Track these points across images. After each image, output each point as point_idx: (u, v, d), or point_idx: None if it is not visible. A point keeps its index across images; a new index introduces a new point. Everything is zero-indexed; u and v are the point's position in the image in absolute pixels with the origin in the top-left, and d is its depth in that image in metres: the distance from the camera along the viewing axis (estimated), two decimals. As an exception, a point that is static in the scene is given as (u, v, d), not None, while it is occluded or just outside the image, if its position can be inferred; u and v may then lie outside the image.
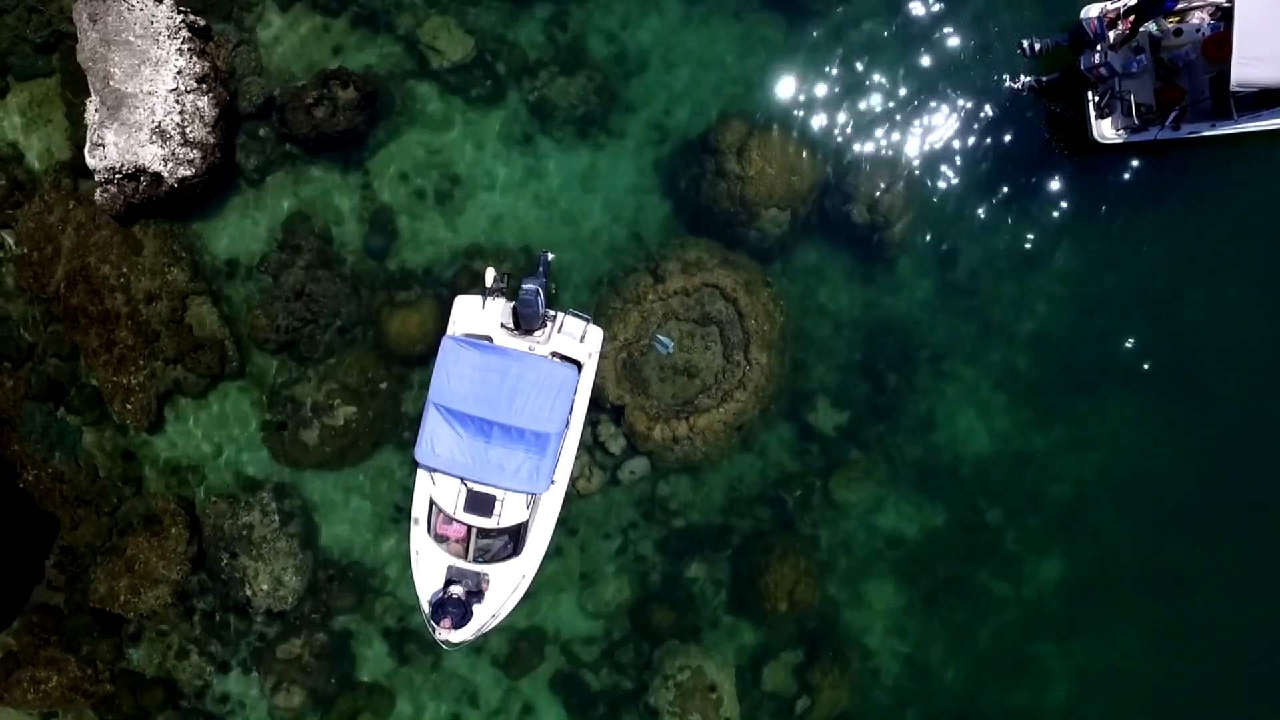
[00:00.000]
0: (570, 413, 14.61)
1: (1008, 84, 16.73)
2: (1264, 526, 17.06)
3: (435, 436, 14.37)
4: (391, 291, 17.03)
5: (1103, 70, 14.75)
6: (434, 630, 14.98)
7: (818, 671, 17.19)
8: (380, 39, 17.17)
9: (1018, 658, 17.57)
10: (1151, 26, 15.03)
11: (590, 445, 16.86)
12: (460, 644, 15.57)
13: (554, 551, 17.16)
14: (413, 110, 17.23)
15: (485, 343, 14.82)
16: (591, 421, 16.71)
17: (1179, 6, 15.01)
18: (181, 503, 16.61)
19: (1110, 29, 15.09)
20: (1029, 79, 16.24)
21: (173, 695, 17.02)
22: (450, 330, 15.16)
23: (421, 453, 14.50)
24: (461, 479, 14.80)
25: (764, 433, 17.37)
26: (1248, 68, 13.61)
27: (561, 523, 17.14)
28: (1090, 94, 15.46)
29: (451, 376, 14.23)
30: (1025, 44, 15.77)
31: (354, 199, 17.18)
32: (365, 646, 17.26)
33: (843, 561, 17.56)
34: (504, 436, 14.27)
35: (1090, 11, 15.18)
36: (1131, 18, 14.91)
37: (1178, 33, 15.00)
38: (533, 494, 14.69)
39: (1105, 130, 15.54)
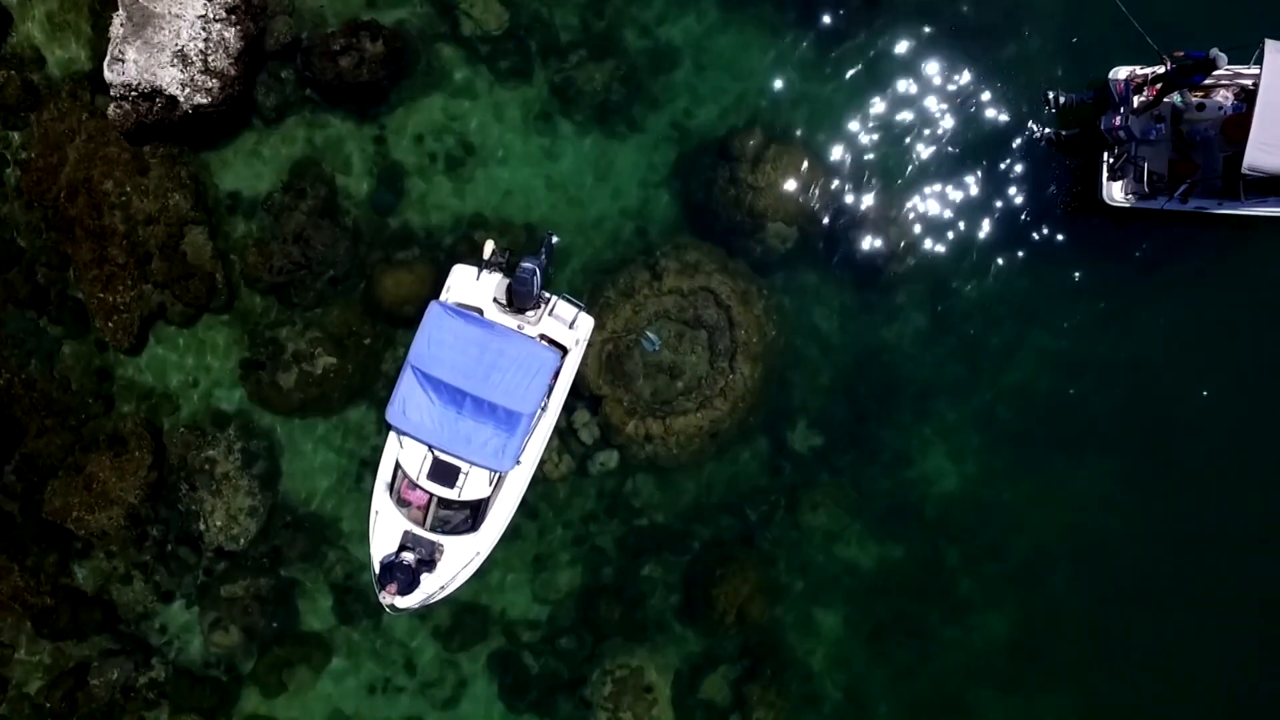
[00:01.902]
0: (547, 396, 14.57)
1: (1028, 134, 16.81)
2: (1212, 610, 17.11)
3: (408, 399, 14.35)
4: (390, 250, 16.99)
5: (1121, 133, 14.82)
6: (379, 592, 14.91)
7: (755, 688, 17.19)
8: (416, -3, 17.21)
9: (955, 703, 17.60)
10: (1176, 98, 15.10)
11: (564, 431, 16.85)
12: (405, 610, 15.54)
13: (512, 532, 17.14)
14: (438, 73, 17.21)
15: (471, 314, 14.80)
16: (568, 408, 16.71)
17: (1206, 82, 15.09)
18: (148, 428, 16.54)
19: (1136, 94, 15.17)
20: (1049, 131, 16.32)
21: (111, 618, 16.94)
22: (443, 297, 15.14)
23: (393, 413, 14.49)
24: (429, 446, 14.76)
25: (739, 444, 17.36)
26: (1262, 153, 13.68)
27: (524, 504, 17.17)
28: (1106, 155, 15.53)
29: (433, 342, 14.21)
30: (1051, 95, 15.84)
31: (367, 152, 17.14)
32: (310, 598, 17.20)
33: (798, 583, 17.57)
34: (476, 409, 14.25)
35: (1119, 74, 15.25)
36: (1159, 86, 14.99)
37: (1200, 107, 15.08)
38: (496, 470, 14.64)
39: (1115, 193, 15.61)
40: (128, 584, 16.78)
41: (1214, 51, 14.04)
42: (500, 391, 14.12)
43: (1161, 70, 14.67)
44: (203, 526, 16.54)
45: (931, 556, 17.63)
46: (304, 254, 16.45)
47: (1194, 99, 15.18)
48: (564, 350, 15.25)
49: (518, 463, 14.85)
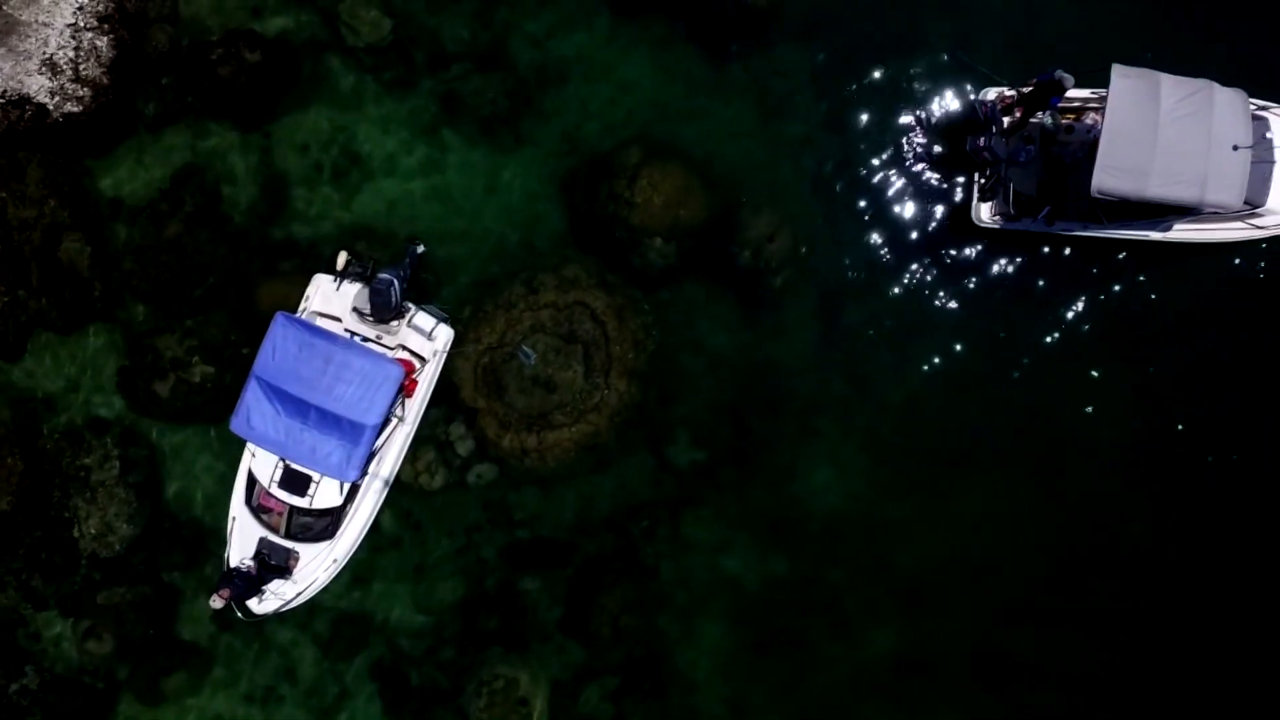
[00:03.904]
0: (401, 406, 14.64)
1: (904, 152, 16.86)
2: (1097, 630, 17.19)
3: (252, 409, 14.46)
4: (272, 259, 17.01)
5: (986, 154, 14.88)
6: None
7: (633, 700, 17.25)
8: (301, 8, 17.16)
9: (839, 718, 17.67)
10: (1046, 119, 15.14)
11: (441, 443, 16.90)
12: (261, 616, 15.75)
13: (394, 542, 17.24)
14: (324, 83, 17.22)
15: (316, 325, 14.88)
16: (444, 419, 16.77)
17: (1075, 105, 15.13)
18: (21, 433, 16.52)
19: (1005, 115, 15.21)
20: (922, 150, 16.34)
21: (-17, 623, 16.96)
22: (302, 306, 15.24)
23: (237, 423, 14.57)
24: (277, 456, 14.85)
25: (621, 457, 17.39)
26: (1109, 176, 13.75)
27: (407, 514, 17.24)
28: (978, 175, 15.58)
29: (277, 352, 14.32)
30: (921, 115, 15.88)
31: (251, 162, 17.15)
32: (190, 606, 17.19)
33: (681, 596, 17.60)
34: (320, 420, 14.33)
35: (988, 94, 15.32)
36: (1022, 108, 15.04)
37: (1069, 129, 15.10)
38: (340, 481, 14.69)
39: (983, 214, 15.67)
40: (1, 591, 16.79)
41: (1059, 73, 14.14)
42: (344, 403, 14.21)
43: (1025, 92, 14.72)
44: (76, 534, 16.54)
45: (815, 573, 17.66)
46: (181, 262, 16.46)
47: (1064, 121, 15.22)
48: (423, 360, 15.29)
49: (362, 474, 14.91)
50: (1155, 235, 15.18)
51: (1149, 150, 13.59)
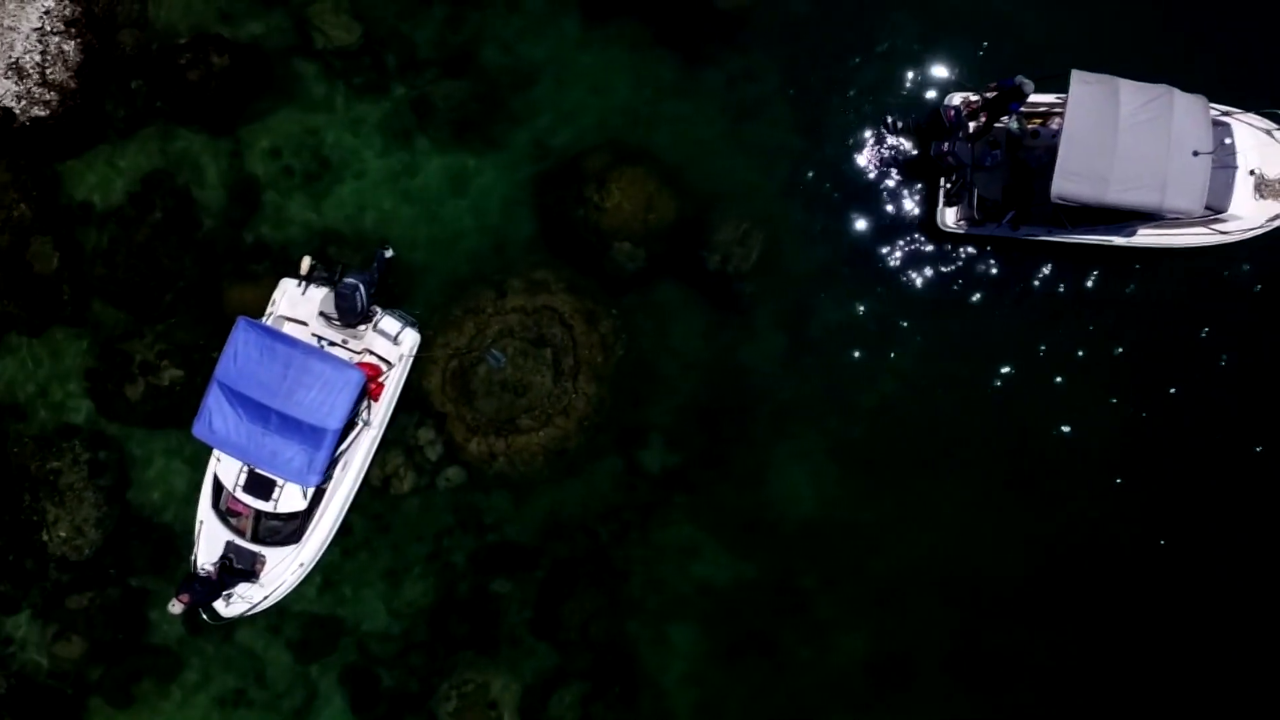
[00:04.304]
0: (367, 410, 14.65)
1: (874, 156, 16.86)
2: (1073, 629, 17.19)
3: (214, 414, 14.49)
4: (242, 263, 17.02)
5: (950, 159, 14.88)
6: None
7: (603, 705, 17.24)
8: (272, 11, 17.18)
9: (810, 724, 17.69)
10: (1012, 124, 15.15)
11: (411, 447, 16.91)
12: (228, 619, 15.78)
13: (365, 545, 17.24)
14: (294, 87, 17.24)
15: (278, 330, 14.90)
16: (414, 424, 16.79)
17: (1041, 110, 15.13)
18: (-13, 437, 16.59)
19: (971, 120, 15.22)
20: (883, 155, 16.34)
21: (-47, 627, 16.97)
22: (269, 310, 15.28)
23: (199, 428, 14.60)
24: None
25: (592, 461, 17.38)
26: (1068, 182, 13.76)
27: (377, 518, 17.24)
28: (943, 180, 15.59)
29: (239, 357, 14.35)
30: (890, 120, 15.89)
31: (221, 165, 17.16)
32: (160, 609, 17.14)
33: (652, 601, 17.57)
34: (282, 425, 14.35)
35: (953, 99, 15.32)
36: (986, 113, 15.04)
37: (1034, 134, 15.09)
38: (301, 486, 14.71)
39: (948, 218, 15.67)
40: (-32, 594, 16.84)
41: (1020, 78, 14.15)
42: (305, 408, 14.23)
43: (988, 97, 14.74)
44: (45, 537, 16.55)
45: (787, 577, 17.62)
46: (150, 266, 16.48)
47: (1030, 126, 15.22)
48: (389, 364, 15.32)
49: (325, 478, 14.91)
50: (1120, 240, 15.18)
51: (1108, 156, 13.59)
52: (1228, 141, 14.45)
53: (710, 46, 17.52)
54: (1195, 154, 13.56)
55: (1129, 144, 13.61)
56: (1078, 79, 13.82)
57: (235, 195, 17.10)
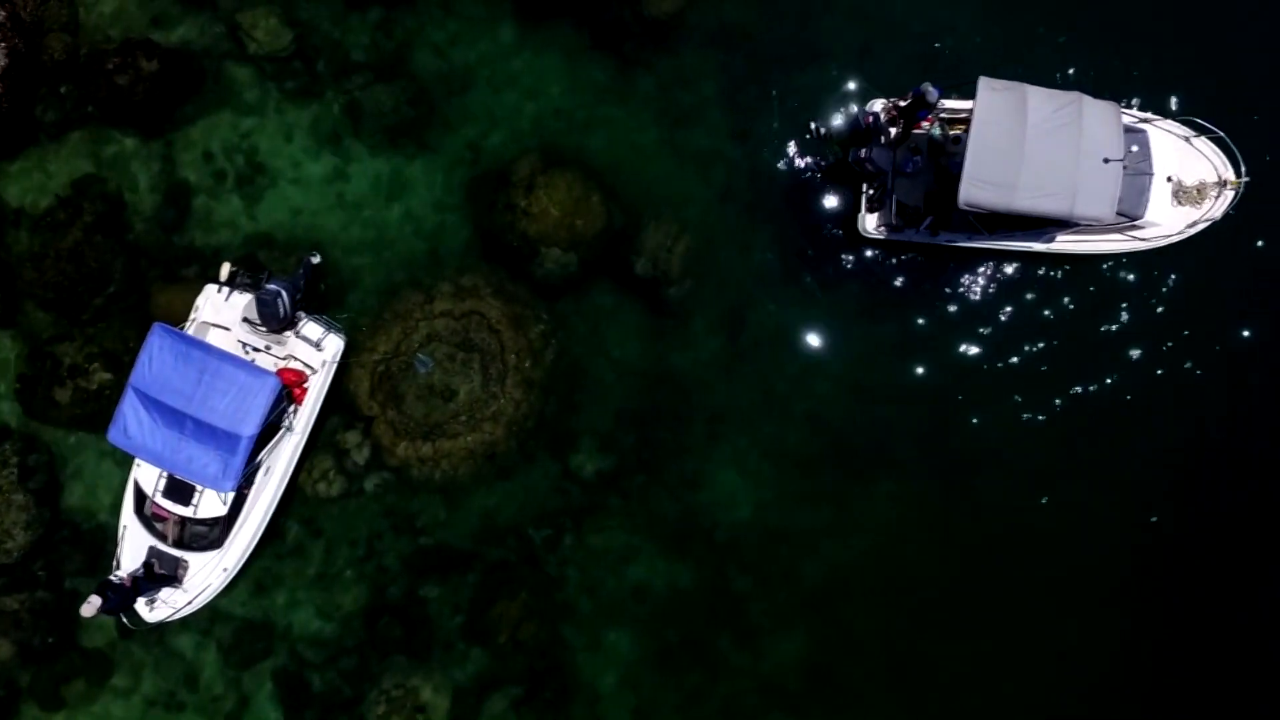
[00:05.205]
0: (269, 418, 14.65)
1: (805, 162, 16.88)
2: (1005, 633, 17.22)
3: (129, 419, 14.50)
4: (172, 267, 17.04)
5: (868, 165, 14.87)
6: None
7: (536, 709, 17.23)
8: (203, 16, 17.22)
9: (746, 727, 17.68)
10: (935, 131, 15.14)
11: (338, 451, 16.91)
12: (150, 624, 15.82)
13: (297, 549, 17.24)
14: (226, 92, 17.27)
15: (193, 336, 14.92)
16: (343, 427, 16.80)
17: (963, 116, 15.13)
18: (-86, 441, 16.59)
19: (892, 125, 15.21)
20: (811, 161, 16.35)
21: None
22: (192, 316, 15.29)
23: (114, 433, 14.61)
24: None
25: (525, 466, 17.39)
26: (975, 189, 13.73)
27: (309, 522, 17.24)
28: (865, 186, 15.58)
29: (153, 363, 14.36)
30: (813, 126, 15.89)
31: (153, 170, 17.19)
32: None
33: (586, 605, 17.59)
34: (197, 431, 14.37)
35: (874, 106, 15.31)
36: (902, 120, 15.06)
37: (956, 141, 15.10)
38: (217, 491, 14.74)
39: (869, 224, 15.66)
40: (-101, 596, 16.82)
41: (925, 86, 14.16)
42: (219, 414, 14.25)
43: (904, 105, 14.74)
44: (-27, 540, 16.58)
45: (721, 582, 17.64)
46: (80, 270, 16.49)
47: (952, 132, 15.21)
48: (312, 370, 15.33)
49: (243, 484, 14.90)
50: (1039, 247, 15.18)
51: (1016, 163, 13.56)
52: (1134, 149, 14.42)
53: (644, 52, 17.59)
54: (1106, 161, 13.54)
55: (1037, 151, 13.59)
56: (985, 86, 13.79)
57: (167, 199, 17.13)
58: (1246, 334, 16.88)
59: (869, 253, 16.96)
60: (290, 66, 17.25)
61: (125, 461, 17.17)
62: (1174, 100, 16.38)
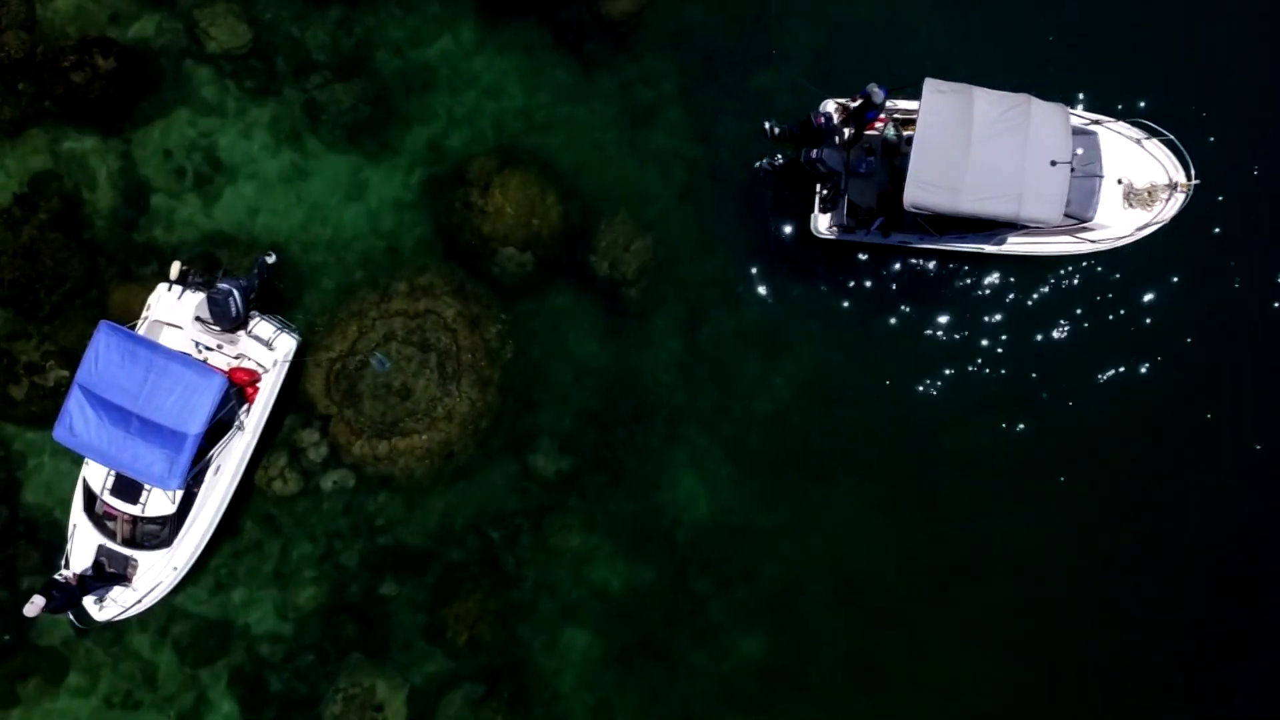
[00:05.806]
0: (216, 417, 14.64)
1: (762, 162, 16.89)
2: (966, 634, 17.28)
3: (74, 417, 14.47)
4: (131, 265, 17.01)
5: (820, 166, 14.88)
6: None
7: (494, 709, 17.23)
8: (161, 14, 17.18)
9: (705, 727, 17.70)
10: (889, 131, 15.15)
11: (294, 450, 16.90)
12: (100, 624, 15.76)
13: (254, 547, 17.22)
14: (185, 89, 17.23)
15: (139, 334, 14.90)
16: (301, 425, 16.78)
17: (914, 118, 15.14)
18: None
19: (845, 126, 15.22)
20: (765, 161, 16.38)
21: None
22: (144, 314, 15.26)
23: (59, 431, 14.58)
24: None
25: (485, 465, 17.39)
26: (920, 191, 13.72)
27: (268, 520, 17.22)
28: (819, 187, 15.59)
29: (100, 360, 14.34)
30: (767, 126, 15.90)
31: (111, 167, 17.14)
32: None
33: (545, 604, 17.59)
34: (143, 429, 14.36)
35: (827, 106, 15.32)
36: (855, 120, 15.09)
37: (909, 141, 15.09)
38: (164, 489, 14.72)
39: (821, 225, 15.67)
40: None
41: (871, 87, 14.17)
42: (165, 413, 14.24)
43: (854, 106, 14.76)
44: (-73, 538, 16.55)
45: (681, 582, 17.65)
46: (36, 267, 16.46)
47: (906, 133, 15.23)
48: (264, 369, 15.32)
49: (190, 482, 14.87)
50: (990, 248, 15.20)
51: (961, 165, 13.55)
52: (1080, 151, 14.42)
53: (604, 53, 17.60)
54: (1053, 163, 13.55)
55: (983, 153, 13.58)
56: (931, 88, 13.78)
57: (125, 197, 17.10)
58: (1203, 335, 16.95)
59: (825, 254, 16.98)
60: (249, 64, 17.24)
61: (80, 459, 17.13)
62: (1124, 103, 16.44)
